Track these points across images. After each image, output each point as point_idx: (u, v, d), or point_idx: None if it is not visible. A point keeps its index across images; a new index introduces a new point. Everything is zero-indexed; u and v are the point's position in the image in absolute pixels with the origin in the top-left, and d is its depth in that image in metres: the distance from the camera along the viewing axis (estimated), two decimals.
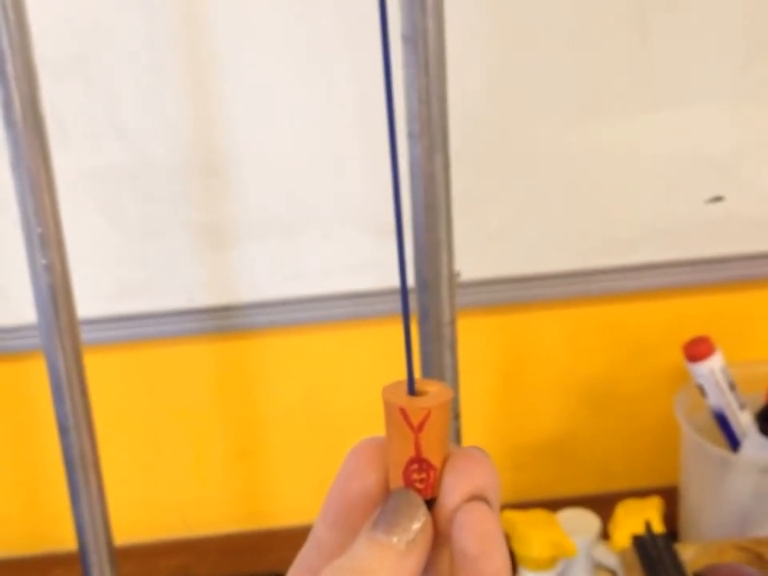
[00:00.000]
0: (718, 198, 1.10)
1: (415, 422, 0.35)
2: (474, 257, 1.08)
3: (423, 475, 0.35)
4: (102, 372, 1.01)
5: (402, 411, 0.35)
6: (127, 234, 1.04)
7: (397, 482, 0.35)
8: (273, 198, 1.05)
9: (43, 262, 0.67)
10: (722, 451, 1.04)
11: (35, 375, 1.06)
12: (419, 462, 0.35)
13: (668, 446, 1.15)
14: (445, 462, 0.35)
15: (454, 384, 0.73)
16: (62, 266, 0.69)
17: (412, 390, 0.36)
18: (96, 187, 1.02)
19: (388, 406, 0.35)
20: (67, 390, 0.73)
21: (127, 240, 1.04)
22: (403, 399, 0.35)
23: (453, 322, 0.71)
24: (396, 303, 1.00)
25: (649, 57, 1.04)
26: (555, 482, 1.22)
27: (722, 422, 1.06)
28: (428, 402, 0.35)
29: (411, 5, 0.64)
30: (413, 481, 0.35)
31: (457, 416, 0.74)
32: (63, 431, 0.73)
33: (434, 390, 0.36)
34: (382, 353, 1.08)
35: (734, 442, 1.06)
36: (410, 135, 0.66)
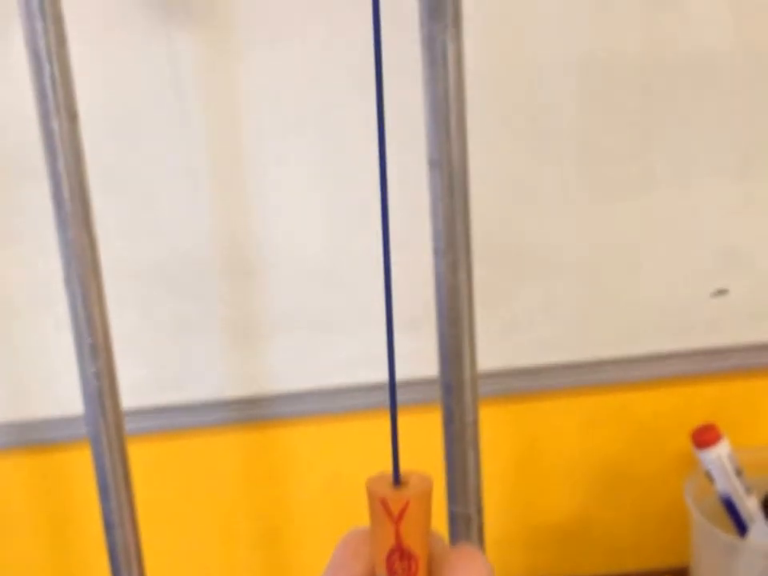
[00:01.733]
0: (722, 292, 1.15)
1: (395, 511, 0.36)
2: (490, 348, 1.13)
3: (405, 564, 0.36)
4: (136, 461, 1.05)
5: (383, 501, 0.36)
6: (161, 329, 1.09)
7: (381, 571, 0.36)
8: (300, 295, 1.10)
9: (93, 370, 0.72)
10: (729, 537, 1.08)
11: (76, 466, 1.11)
12: (400, 550, 0.36)
13: (678, 528, 1.19)
14: (428, 551, 0.36)
15: (476, 481, 0.77)
16: (109, 373, 0.74)
17: (397, 481, 0.37)
18: (131, 284, 1.07)
19: (370, 496, 0.36)
20: (113, 487, 0.78)
21: (160, 334, 1.10)
22: (385, 489, 0.36)
23: (475, 422, 0.76)
24: (417, 394, 1.05)
25: (653, 158, 1.10)
26: (569, 562, 1.25)
27: (730, 507, 1.11)
28: (408, 492, 0.36)
29: (437, 131, 0.69)
30: (395, 570, 0.36)
31: (479, 510, 0.79)
32: (108, 527, 0.77)
33: (415, 481, 0.37)
34: (404, 442, 1.12)
35: (741, 527, 1.11)
36: (436, 252, 0.72)
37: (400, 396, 1.11)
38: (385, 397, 1.13)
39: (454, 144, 0.69)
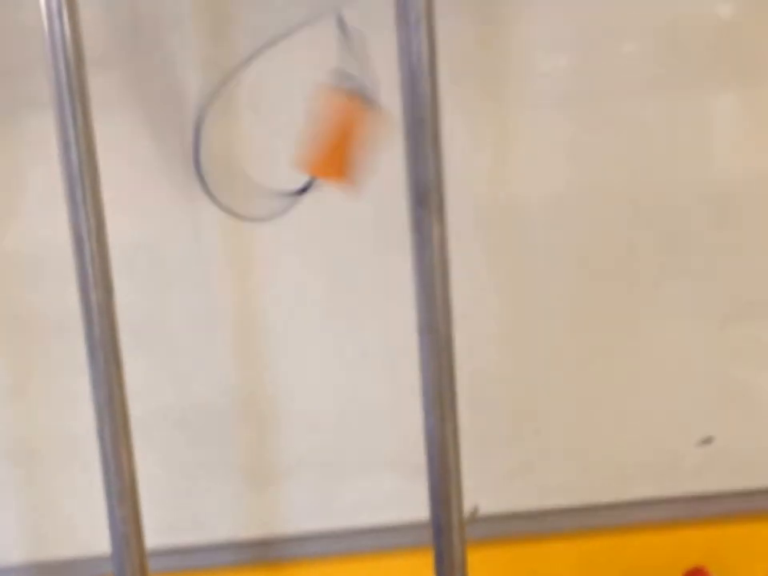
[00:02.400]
0: (708, 440, 1.22)
1: None
2: (491, 493, 1.20)
3: None
4: None
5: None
6: (180, 473, 1.17)
7: None
8: (311, 442, 1.18)
9: (120, 515, 0.80)
10: None
11: None
12: None
13: None
14: None
15: None
16: (135, 517, 0.82)
17: None
18: (155, 431, 1.16)
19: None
20: None
21: (179, 478, 1.17)
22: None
23: (464, 563, 0.83)
24: (422, 536, 1.11)
25: (638, 312, 1.18)
26: None
27: None
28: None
29: (425, 301, 0.78)
30: None
31: None
32: None
33: None
34: None
35: None
36: (425, 409, 0.80)
37: (407, 538, 1.17)
38: (391, 539, 1.20)
39: (440, 313, 0.78)
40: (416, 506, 1.12)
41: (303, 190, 1.04)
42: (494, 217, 1.14)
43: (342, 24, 0.94)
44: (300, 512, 1.19)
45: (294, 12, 0.99)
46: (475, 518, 1.18)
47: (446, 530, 0.81)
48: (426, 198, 0.73)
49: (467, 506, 0.87)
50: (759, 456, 1.23)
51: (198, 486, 1.18)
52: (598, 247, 1.17)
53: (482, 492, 1.18)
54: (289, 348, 1.15)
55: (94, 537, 1.00)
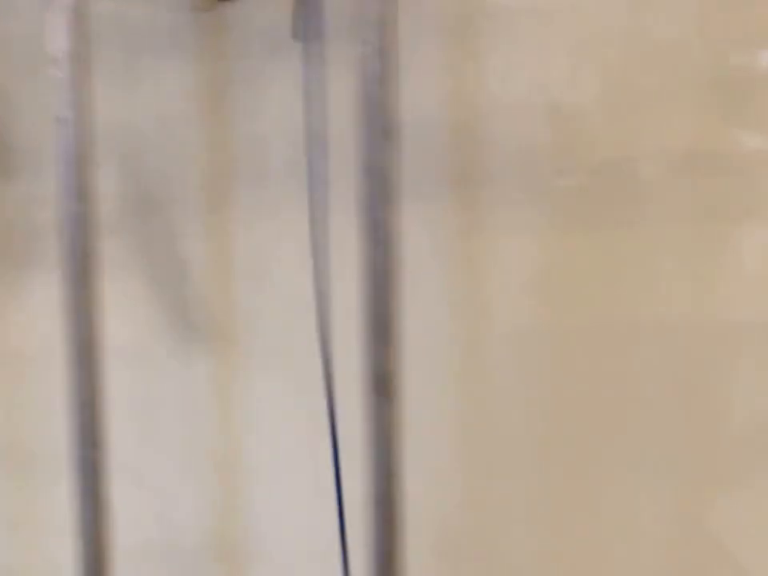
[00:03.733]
0: None
1: None
2: None
3: None
4: None
5: None
6: None
7: None
8: None
9: None
10: None
11: None
12: None
13: None
14: None
15: None
16: None
17: None
18: (129, 562, 1.22)
19: None
20: None
21: None
22: None
23: None
24: None
25: (602, 470, 1.24)
26: None
27: None
28: None
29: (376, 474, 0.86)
30: None
31: None
32: None
33: None
34: None
35: None
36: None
37: None
38: None
39: (392, 486, 0.86)
40: None
41: None
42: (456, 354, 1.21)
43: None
44: None
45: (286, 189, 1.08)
46: None
47: None
48: (383, 386, 0.81)
49: None
50: None
51: None
52: (564, 396, 1.21)
53: None
54: (265, 493, 1.22)
55: None
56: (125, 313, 1.16)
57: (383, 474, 0.85)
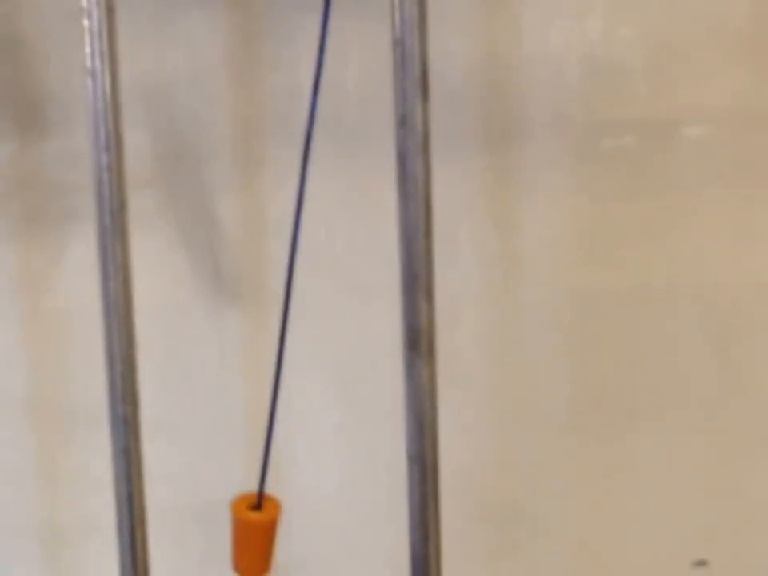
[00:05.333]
0: (702, 563, 1.26)
1: None
2: None
3: None
4: None
5: None
6: (193, 562, 1.24)
7: None
8: (312, 542, 1.24)
9: None
10: None
11: None
12: None
13: None
14: None
15: None
16: None
17: None
18: (166, 524, 1.22)
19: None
20: None
21: (192, 568, 1.24)
22: None
23: None
24: None
25: (636, 438, 1.24)
26: None
27: None
28: None
29: (416, 430, 0.86)
30: None
31: None
32: None
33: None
34: None
35: None
36: (411, 527, 0.87)
37: None
38: None
39: (428, 442, 0.85)
40: None
41: None
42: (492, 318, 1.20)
43: None
44: None
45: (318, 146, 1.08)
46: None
47: None
48: (418, 343, 0.80)
49: None
50: None
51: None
52: (599, 360, 1.22)
53: None
54: (297, 452, 1.22)
55: None
56: (158, 269, 1.16)
57: (418, 432, 0.84)
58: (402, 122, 0.72)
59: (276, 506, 0.49)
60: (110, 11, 0.82)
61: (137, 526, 0.92)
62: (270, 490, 1.22)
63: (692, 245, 1.19)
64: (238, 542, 0.49)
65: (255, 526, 0.47)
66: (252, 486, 1.22)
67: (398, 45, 0.72)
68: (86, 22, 0.82)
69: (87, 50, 0.83)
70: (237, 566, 0.49)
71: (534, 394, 1.22)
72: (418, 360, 0.80)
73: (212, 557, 1.23)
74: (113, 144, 0.87)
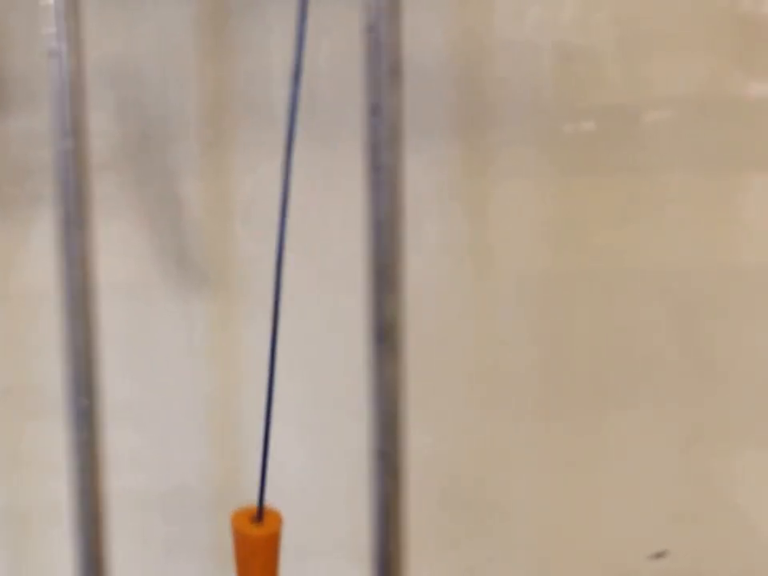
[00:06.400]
0: (661, 554, 1.26)
1: None
2: None
3: None
4: None
5: None
6: (154, 553, 1.23)
7: None
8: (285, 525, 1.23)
9: None
10: None
11: None
12: None
13: None
14: None
15: None
16: None
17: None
18: (130, 512, 1.21)
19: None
20: None
21: (153, 558, 1.23)
22: None
23: None
24: None
25: (604, 431, 1.24)
26: None
27: None
28: None
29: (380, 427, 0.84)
30: None
31: None
32: None
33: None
34: None
35: None
36: (374, 535, 0.86)
37: None
38: None
39: (393, 439, 0.84)
40: None
41: None
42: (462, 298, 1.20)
43: None
44: None
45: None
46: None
47: None
48: (385, 336, 0.79)
49: None
50: (714, 573, 1.27)
51: (169, 566, 1.24)
52: (567, 346, 1.21)
53: None
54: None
55: None
56: (120, 254, 1.14)
57: (386, 425, 0.83)
58: (374, 111, 0.70)
59: (277, 518, 0.47)
60: None
61: (94, 522, 0.90)
62: (235, 482, 1.22)
63: (660, 230, 1.19)
64: (240, 557, 0.47)
65: (257, 541, 0.45)
66: (218, 472, 1.21)
67: (371, 31, 0.70)
68: (50, 1, 0.80)
69: (51, 30, 0.81)
70: None
71: (503, 381, 1.22)
72: (385, 354, 0.79)
73: (176, 542, 1.23)
74: (77, 128, 0.85)
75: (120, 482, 1.19)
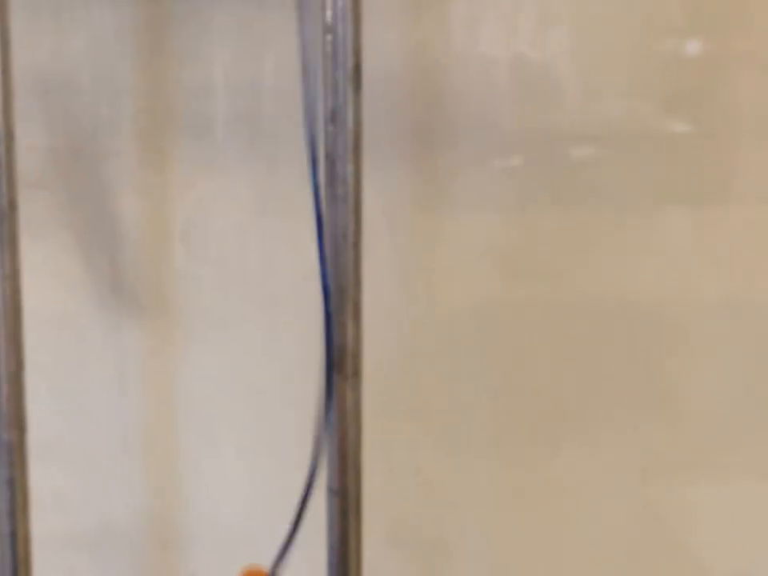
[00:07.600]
0: None
1: None
2: None
3: None
4: None
5: None
6: None
7: None
8: (221, 564, 1.17)
9: None
10: None
11: None
12: None
13: None
14: None
15: None
16: None
17: None
18: (57, 553, 1.14)
19: None
20: None
21: None
22: None
23: None
24: None
25: (559, 463, 1.20)
26: None
27: None
28: None
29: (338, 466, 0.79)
30: None
31: None
32: None
33: None
34: None
35: None
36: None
37: None
38: None
39: (350, 475, 0.79)
40: None
41: None
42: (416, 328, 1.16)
43: None
44: None
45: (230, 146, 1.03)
46: None
47: None
48: (344, 364, 0.73)
49: None
50: None
51: None
52: (521, 376, 1.17)
53: None
54: (201, 474, 1.15)
55: None
56: (48, 278, 1.09)
57: (342, 463, 0.77)
58: (332, 118, 0.65)
59: None
60: None
61: (20, 562, 0.84)
62: (170, 514, 1.16)
63: (617, 259, 1.16)
64: None
65: None
66: (153, 508, 1.15)
67: (330, 32, 0.64)
68: None
69: None
70: None
71: (455, 415, 1.18)
72: (343, 383, 0.73)
73: None
74: (3, 140, 0.80)
75: (46, 522, 1.14)
